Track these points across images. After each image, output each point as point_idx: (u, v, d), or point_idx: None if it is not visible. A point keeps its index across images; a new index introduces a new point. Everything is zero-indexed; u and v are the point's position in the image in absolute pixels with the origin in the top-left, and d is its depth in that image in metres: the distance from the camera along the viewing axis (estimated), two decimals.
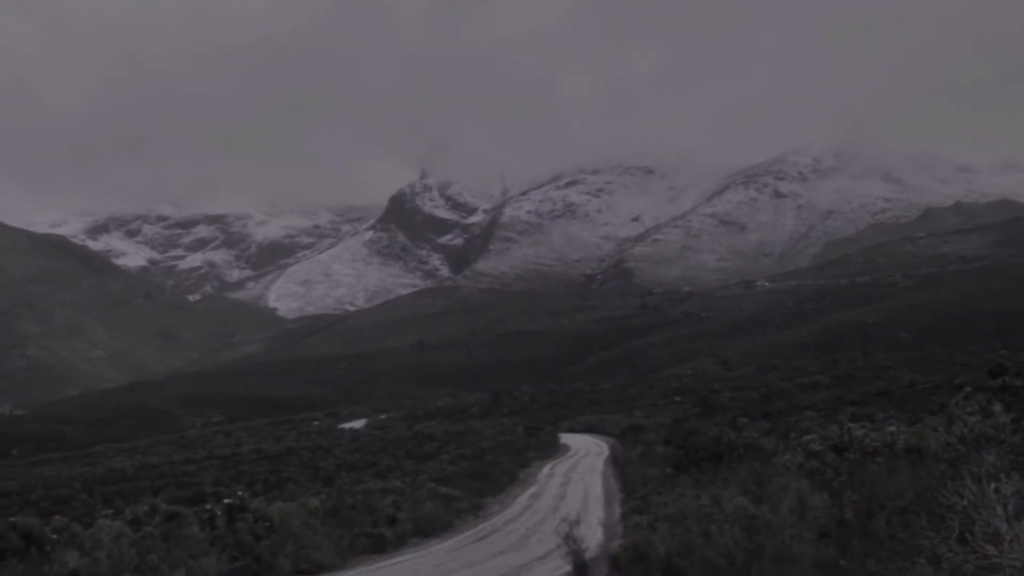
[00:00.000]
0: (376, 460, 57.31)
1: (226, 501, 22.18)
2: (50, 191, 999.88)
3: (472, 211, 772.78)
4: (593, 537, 20.85)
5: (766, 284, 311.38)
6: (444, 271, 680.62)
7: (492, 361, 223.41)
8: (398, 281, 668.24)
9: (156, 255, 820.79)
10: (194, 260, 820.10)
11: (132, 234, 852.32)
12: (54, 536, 17.35)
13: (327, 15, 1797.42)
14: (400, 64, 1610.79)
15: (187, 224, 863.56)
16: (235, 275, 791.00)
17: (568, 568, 12.68)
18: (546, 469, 44.60)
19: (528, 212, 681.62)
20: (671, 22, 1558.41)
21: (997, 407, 14.14)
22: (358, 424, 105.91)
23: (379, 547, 23.09)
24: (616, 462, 44.71)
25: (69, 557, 15.72)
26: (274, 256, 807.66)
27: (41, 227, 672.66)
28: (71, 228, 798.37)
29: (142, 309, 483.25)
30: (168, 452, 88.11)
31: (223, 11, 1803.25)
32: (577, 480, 39.08)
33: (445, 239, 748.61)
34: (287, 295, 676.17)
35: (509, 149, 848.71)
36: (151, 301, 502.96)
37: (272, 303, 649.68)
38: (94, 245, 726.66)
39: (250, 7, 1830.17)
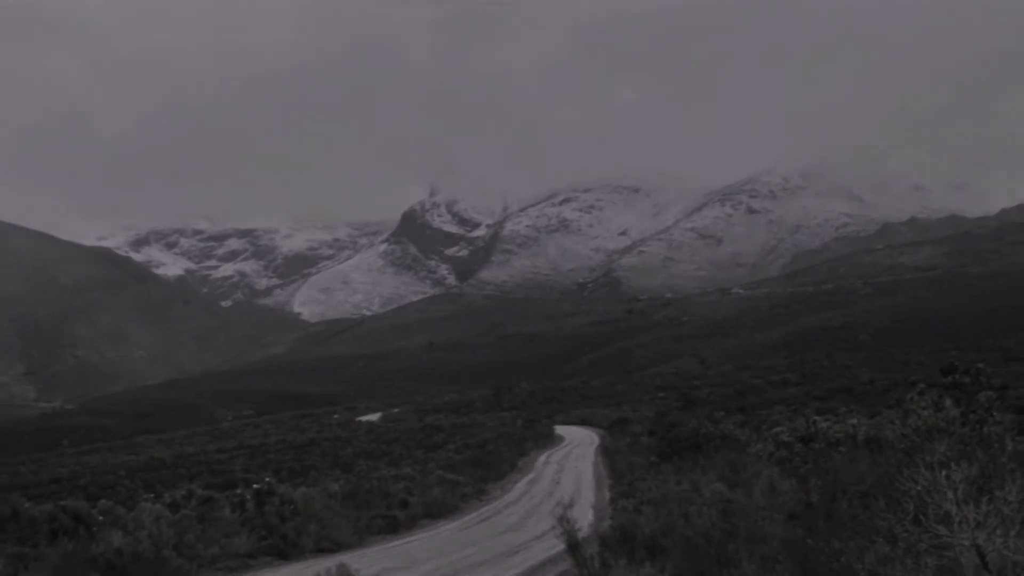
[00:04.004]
0: (389, 450, 57.21)
1: (255, 486, 22.15)
2: (97, 207, 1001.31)
3: (476, 226, 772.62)
4: (585, 518, 20.81)
5: (740, 291, 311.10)
6: (451, 280, 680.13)
7: (494, 360, 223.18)
8: (410, 289, 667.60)
9: (192, 265, 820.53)
10: (226, 270, 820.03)
11: (171, 246, 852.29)
12: (101, 518, 17.33)
13: (347, 48, 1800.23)
14: (412, 93, 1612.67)
15: (220, 237, 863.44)
16: (263, 283, 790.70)
17: (562, 546, 12.70)
18: (543, 458, 44.52)
19: (526, 227, 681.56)
20: (654, 57, 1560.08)
21: (948, 402, 14.15)
22: (374, 417, 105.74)
23: (393, 528, 23.06)
24: (605, 451, 44.61)
25: (114, 536, 15.70)
26: (298, 266, 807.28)
27: (89, 240, 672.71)
28: (116, 241, 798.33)
29: (180, 314, 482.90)
30: (202, 442, 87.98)
31: (253, 44, 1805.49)
32: (570, 467, 38.99)
33: (452, 251, 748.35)
34: (310, 301, 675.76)
35: (509, 170, 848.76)
36: (188, 307, 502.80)
37: (296, 308, 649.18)
38: (137, 256, 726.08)
39: (277, 40, 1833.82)
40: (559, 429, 64.84)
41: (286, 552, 18.60)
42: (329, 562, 15.85)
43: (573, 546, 12.15)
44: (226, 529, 18.50)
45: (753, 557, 9.67)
